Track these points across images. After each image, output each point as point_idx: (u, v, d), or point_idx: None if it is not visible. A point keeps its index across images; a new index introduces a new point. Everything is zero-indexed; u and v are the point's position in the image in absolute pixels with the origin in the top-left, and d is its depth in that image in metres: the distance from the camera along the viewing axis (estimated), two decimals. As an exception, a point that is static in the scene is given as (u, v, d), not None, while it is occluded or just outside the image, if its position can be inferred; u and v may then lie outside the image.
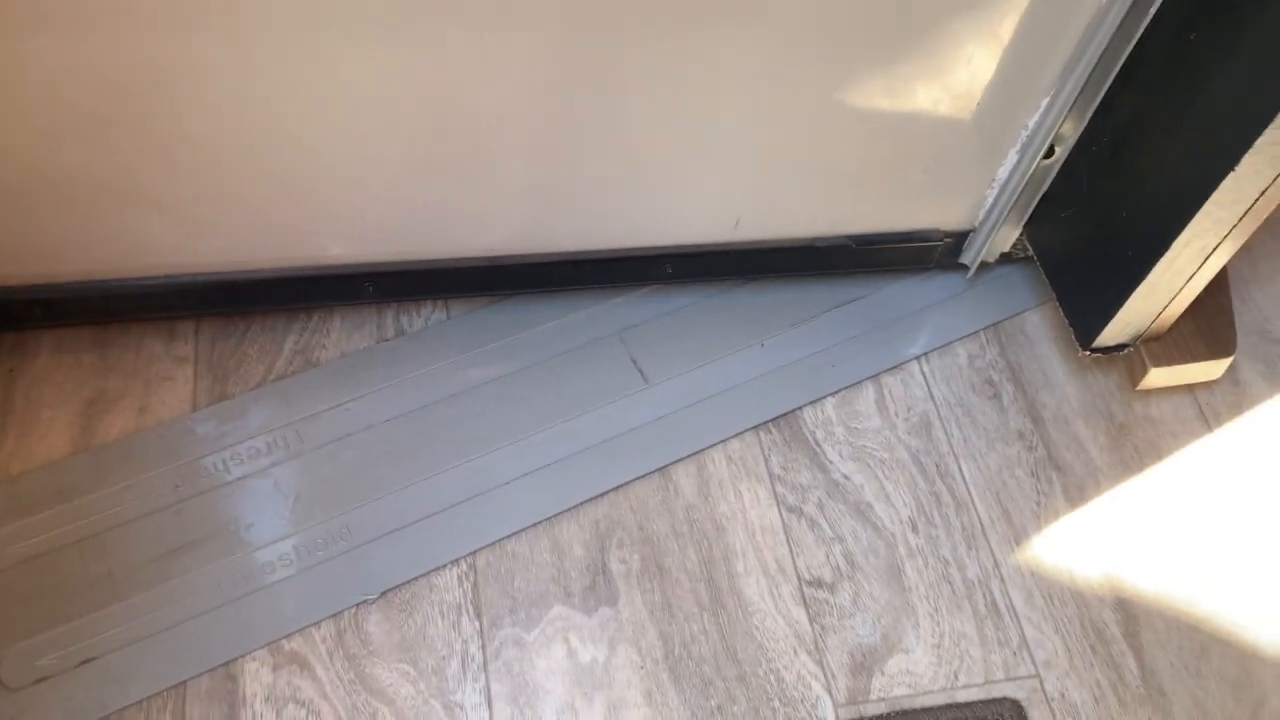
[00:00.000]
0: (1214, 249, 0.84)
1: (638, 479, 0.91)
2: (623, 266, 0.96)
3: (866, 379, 1.00)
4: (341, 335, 0.97)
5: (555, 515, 0.89)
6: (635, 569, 0.87)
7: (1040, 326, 1.05)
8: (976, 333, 1.04)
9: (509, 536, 0.87)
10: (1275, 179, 0.78)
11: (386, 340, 0.97)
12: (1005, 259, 1.05)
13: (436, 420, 0.92)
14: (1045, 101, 0.86)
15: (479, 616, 0.84)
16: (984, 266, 1.05)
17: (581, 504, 0.90)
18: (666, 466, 0.92)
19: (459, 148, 0.81)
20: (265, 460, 0.89)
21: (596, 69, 0.76)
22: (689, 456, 0.93)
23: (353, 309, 0.98)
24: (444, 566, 0.86)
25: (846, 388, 0.99)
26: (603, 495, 0.90)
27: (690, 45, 0.76)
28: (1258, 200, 0.80)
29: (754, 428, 0.96)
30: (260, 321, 0.97)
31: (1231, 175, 0.76)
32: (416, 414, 0.92)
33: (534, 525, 0.88)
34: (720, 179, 0.90)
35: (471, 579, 0.86)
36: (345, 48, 0.71)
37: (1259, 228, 0.83)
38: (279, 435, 0.90)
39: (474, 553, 0.86)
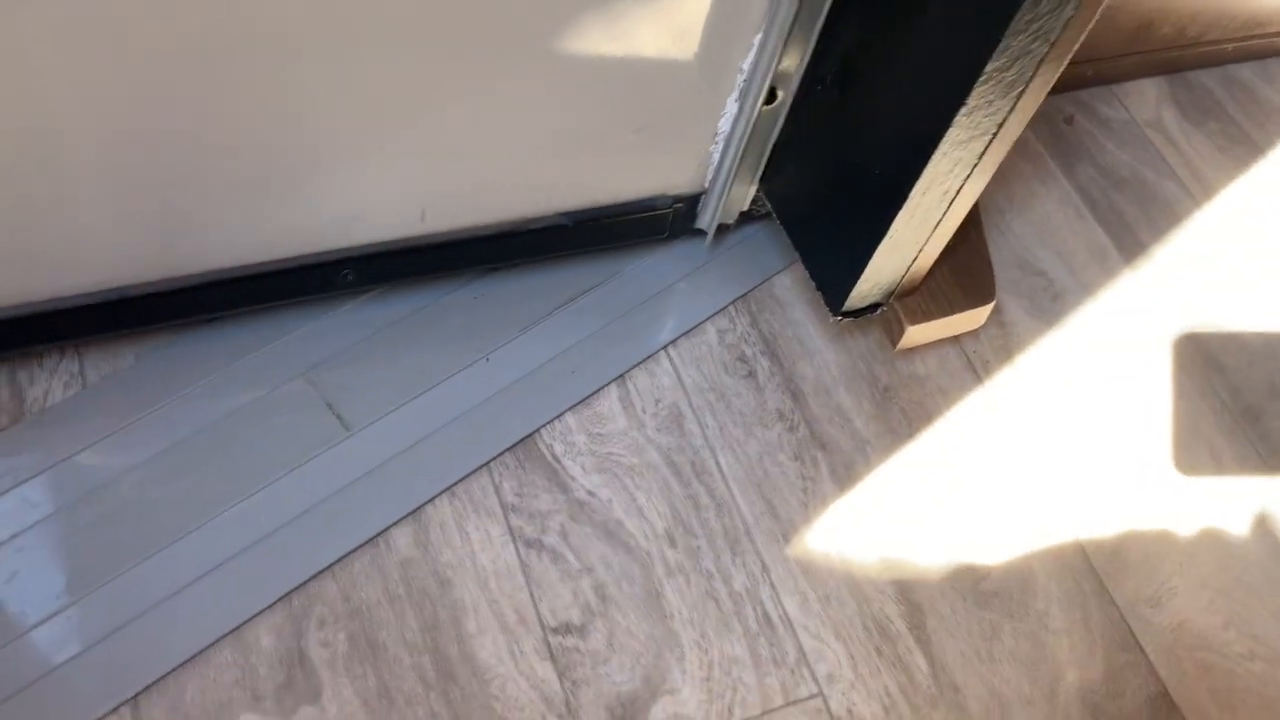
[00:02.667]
0: (958, 192, 0.75)
1: (351, 552, 0.75)
2: (292, 279, 0.79)
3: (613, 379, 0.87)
4: (-64, 410, 0.77)
5: (249, 620, 0.72)
6: (341, 652, 0.72)
7: (791, 289, 0.94)
8: (725, 305, 0.92)
9: (185, 663, 0.70)
10: (1012, 110, 0.68)
11: (3, 429, 0.77)
12: (746, 218, 0.93)
13: (76, 529, 0.72)
14: (758, 39, 0.74)
15: (140, 750, 0.67)
16: (724, 229, 0.93)
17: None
18: (388, 529, 0.77)
19: (26, 149, 0.61)
20: None
21: (216, 27, 0.59)
22: (414, 512, 0.78)
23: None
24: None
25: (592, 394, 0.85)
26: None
27: None
28: (996, 134, 0.70)
29: (494, 458, 0.81)
30: None
31: (963, 110, 0.66)
32: (49, 524, 0.72)
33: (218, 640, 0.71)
34: (392, 161, 0.73)
35: (130, 698, 0.69)
36: None
37: (1009, 152, 0.74)
38: None
39: (137, 695, 0.69)
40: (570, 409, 0.85)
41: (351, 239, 0.78)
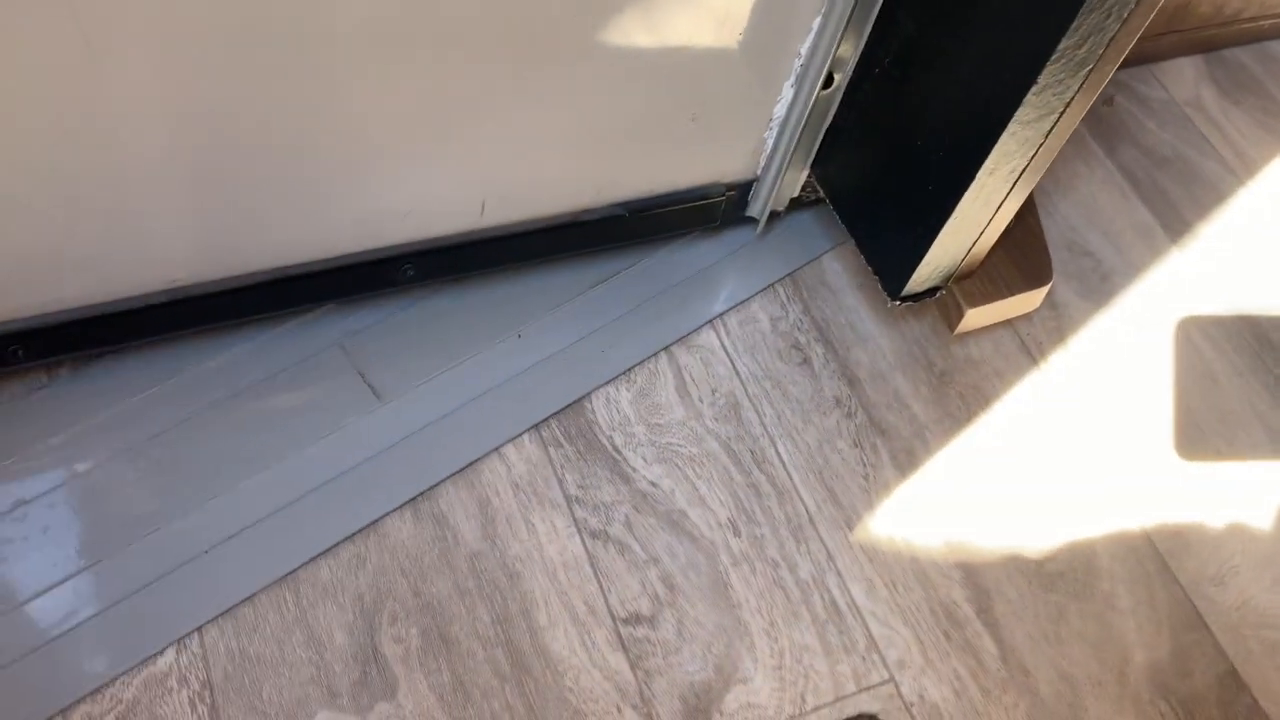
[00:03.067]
0: (1022, 172, 0.74)
1: (391, 514, 0.76)
2: (354, 275, 0.78)
3: (649, 359, 0.86)
4: None
5: (287, 574, 0.73)
6: (415, 647, 0.72)
7: (842, 275, 0.94)
8: (775, 291, 0.92)
9: (239, 604, 0.71)
10: (1080, 88, 0.67)
11: (41, 388, 0.77)
12: (797, 204, 0.93)
13: (113, 484, 0.73)
14: (817, 22, 0.74)
15: (221, 749, 0.67)
16: (775, 216, 0.93)
17: (327, 557, 0.73)
18: (429, 491, 0.77)
19: (85, 152, 0.61)
20: None
21: (282, 38, 0.58)
22: (449, 478, 0.78)
23: (8, 378, 0.77)
24: (164, 650, 0.68)
25: (627, 372, 0.85)
26: (365, 561, 0.74)
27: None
28: (1064, 112, 0.70)
29: (526, 430, 0.81)
30: (-112, 410, 0.76)
31: (1034, 89, 0.66)
32: (88, 478, 0.73)
33: (266, 590, 0.72)
34: (452, 155, 0.73)
35: (208, 698, 0.68)
36: None
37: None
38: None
39: (199, 629, 0.69)
40: (623, 389, 0.84)
41: (412, 234, 0.77)
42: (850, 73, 0.78)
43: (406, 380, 0.80)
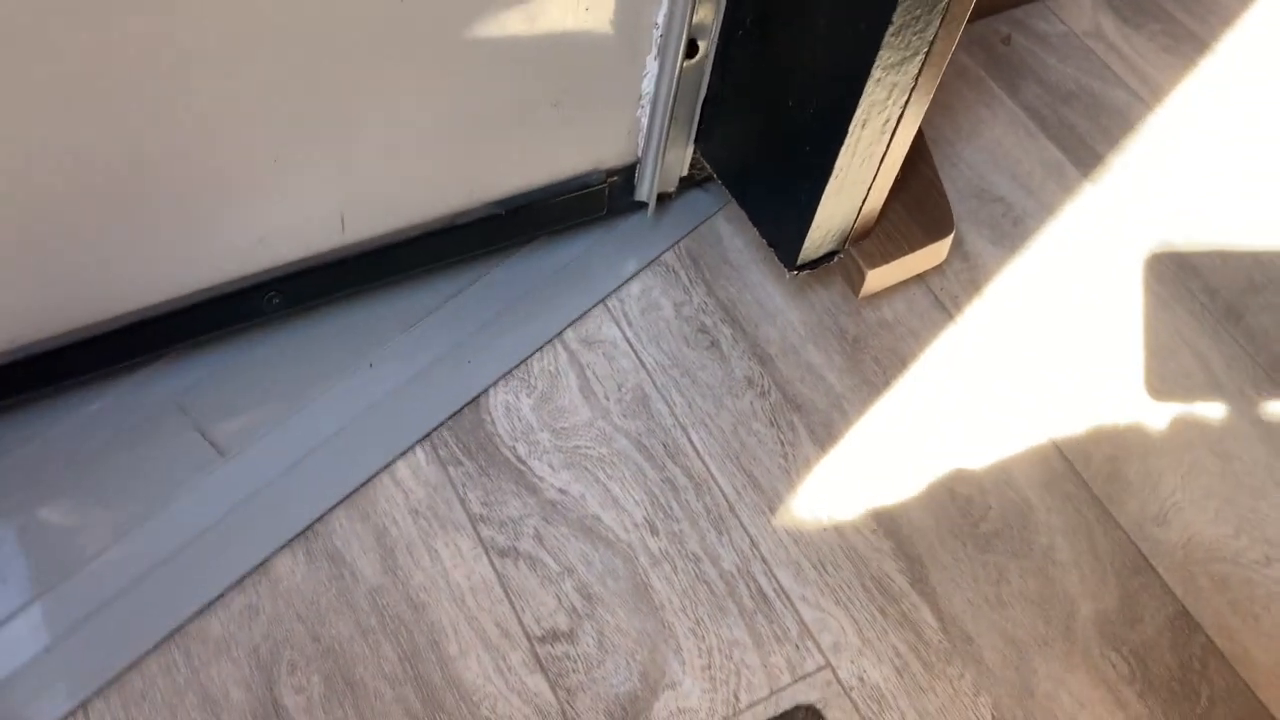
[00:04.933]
0: (898, 121, 0.71)
1: (280, 555, 0.71)
2: (215, 310, 0.74)
3: (540, 356, 0.82)
4: None
5: (173, 633, 0.68)
6: (318, 695, 0.68)
7: (744, 251, 0.90)
8: (677, 275, 0.88)
9: (125, 671, 0.66)
10: (943, 22, 0.64)
11: None
12: (689, 184, 0.89)
13: None
14: (668, -11, 0.70)
15: (113, 832, 0.63)
16: (667, 199, 0.89)
17: (216, 610, 0.69)
18: (318, 528, 0.73)
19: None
20: None
21: (104, 47, 0.54)
22: (303, 532, 0.73)
23: None
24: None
25: (526, 376, 0.81)
26: (258, 610, 0.70)
27: None
28: (929, 52, 0.66)
29: (383, 469, 0.76)
30: None
31: (890, 29, 0.62)
32: None
33: (154, 653, 0.67)
34: (301, 166, 0.69)
35: (99, 779, 0.64)
36: None
37: (948, 77, 0.70)
38: None
39: (82, 705, 0.64)
40: (528, 404, 0.80)
41: (270, 260, 0.73)
42: (715, 39, 0.75)
43: (249, 432, 0.76)
